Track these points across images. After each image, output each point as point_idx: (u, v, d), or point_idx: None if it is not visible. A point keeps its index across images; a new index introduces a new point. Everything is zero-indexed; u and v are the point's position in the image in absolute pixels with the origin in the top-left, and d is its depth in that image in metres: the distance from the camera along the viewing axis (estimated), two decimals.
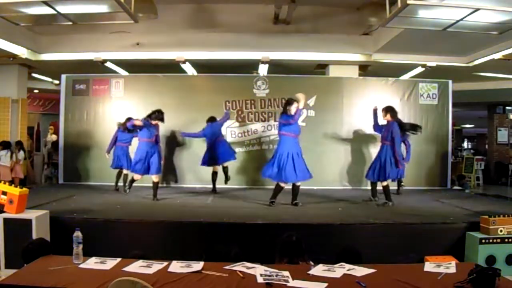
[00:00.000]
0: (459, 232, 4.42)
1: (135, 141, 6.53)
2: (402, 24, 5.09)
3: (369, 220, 4.61)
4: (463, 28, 4.86)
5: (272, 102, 7.79)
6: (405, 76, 8.90)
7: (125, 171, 6.90)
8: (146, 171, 6.02)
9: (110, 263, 2.49)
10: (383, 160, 5.81)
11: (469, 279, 2.14)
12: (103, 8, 4.60)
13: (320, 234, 4.32)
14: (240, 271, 2.36)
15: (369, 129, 7.21)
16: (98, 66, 8.22)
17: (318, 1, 6.93)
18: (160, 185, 7.47)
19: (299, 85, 7.71)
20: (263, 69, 8.45)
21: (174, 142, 7.85)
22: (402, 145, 6.44)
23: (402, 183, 7.09)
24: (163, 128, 6.93)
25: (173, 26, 7.45)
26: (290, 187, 5.71)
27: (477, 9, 4.30)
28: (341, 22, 7.36)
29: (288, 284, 2.18)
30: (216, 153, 6.75)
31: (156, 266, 2.45)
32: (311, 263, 2.87)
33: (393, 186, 6.52)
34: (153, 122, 6.03)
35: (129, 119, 6.50)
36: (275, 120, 7.61)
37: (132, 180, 6.34)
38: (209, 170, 7.03)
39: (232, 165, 7.31)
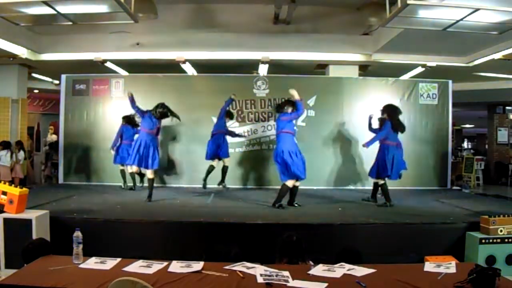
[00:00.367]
0: (459, 232, 4.41)
1: None
2: (402, 24, 5.09)
3: (369, 220, 4.61)
4: (463, 28, 4.86)
5: (272, 102, 7.78)
6: (405, 76, 8.90)
7: (128, 169, 6.84)
8: (141, 162, 5.78)
9: (110, 263, 2.49)
10: (381, 159, 5.80)
11: (469, 279, 2.14)
12: (103, 8, 4.60)
13: (320, 234, 4.31)
14: (240, 271, 2.36)
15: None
16: (98, 66, 8.22)
17: (318, 1, 6.93)
18: (160, 185, 7.54)
19: (299, 85, 7.65)
20: (263, 69, 8.45)
21: (175, 142, 7.87)
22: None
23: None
24: (164, 128, 6.99)
25: (173, 26, 7.45)
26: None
27: (477, 9, 4.30)
28: (341, 22, 7.36)
29: (288, 284, 2.18)
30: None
31: (156, 266, 2.45)
32: (311, 263, 2.87)
33: (394, 186, 6.51)
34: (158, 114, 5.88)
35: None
36: (275, 120, 7.61)
37: (140, 174, 6.19)
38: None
39: (232, 165, 7.32)
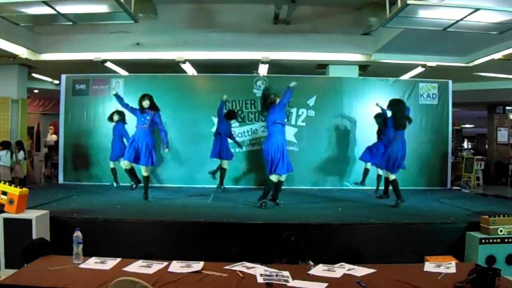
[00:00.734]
0: (459, 232, 4.41)
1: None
2: (402, 24, 5.08)
3: (369, 220, 4.61)
4: (463, 28, 4.86)
5: None
6: (405, 76, 8.90)
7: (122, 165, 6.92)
8: (131, 158, 5.65)
9: (110, 263, 2.49)
10: (394, 152, 5.73)
11: (469, 279, 2.15)
12: (103, 8, 4.59)
13: (320, 234, 4.31)
14: (240, 271, 2.36)
15: (368, 129, 7.23)
16: (98, 66, 8.21)
17: (318, 1, 6.93)
18: (159, 185, 7.54)
19: (299, 85, 7.67)
20: (263, 69, 8.44)
21: (174, 141, 7.86)
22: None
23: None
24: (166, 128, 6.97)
25: (173, 26, 7.45)
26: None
27: (477, 9, 4.29)
28: (341, 22, 7.35)
29: (288, 284, 2.19)
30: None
31: (156, 266, 2.45)
32: (311, 263, 2.87)
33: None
34: (144, 107, 5.75)
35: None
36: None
37: (131, 172, 6.00)
38: (208, 169, 7.09)
39: (232, 165, 7.31)
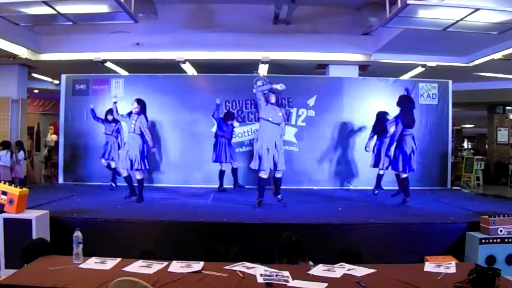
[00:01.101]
0: (459, 232, 4.42)
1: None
2: (402, 24, 5.08)
3: (369, 220, 4.61)
4: (463, 28, 4.86)
5: None
6: (405, 76, 8.89)
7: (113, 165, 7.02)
8: (131, 166, 5.70)
9: (110, 263, 2.49)
10: (406, 151, 5.76)
11: (469, 279, 2.14)
12: (103, 8, 4.59)
13: (320, 234, 4.32)
14: (240, 271, 2.36)
15: (368, 129, 7.23)
16: (98, 66, 8.21)
17: (318, 1, 6.93)
18: (159, 185, 7.54)
19: (299, 85, 7.72)
20: (263, 69, 8.44)
21: (174, 141, 7.86)
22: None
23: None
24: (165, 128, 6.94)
25: (173, 26, 7.44)
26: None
27: (477, 9, 4.29)
28: (341, 22, 7.35)
29: (288, 284, 2.18)
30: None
31: (156, 266, 2.45)
32: (311, 263, 2.87)
33: (394, 186, 6.52)
34: (133, 112, 5.76)
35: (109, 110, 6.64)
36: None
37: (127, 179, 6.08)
38: (208, 170, 7.09)
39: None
